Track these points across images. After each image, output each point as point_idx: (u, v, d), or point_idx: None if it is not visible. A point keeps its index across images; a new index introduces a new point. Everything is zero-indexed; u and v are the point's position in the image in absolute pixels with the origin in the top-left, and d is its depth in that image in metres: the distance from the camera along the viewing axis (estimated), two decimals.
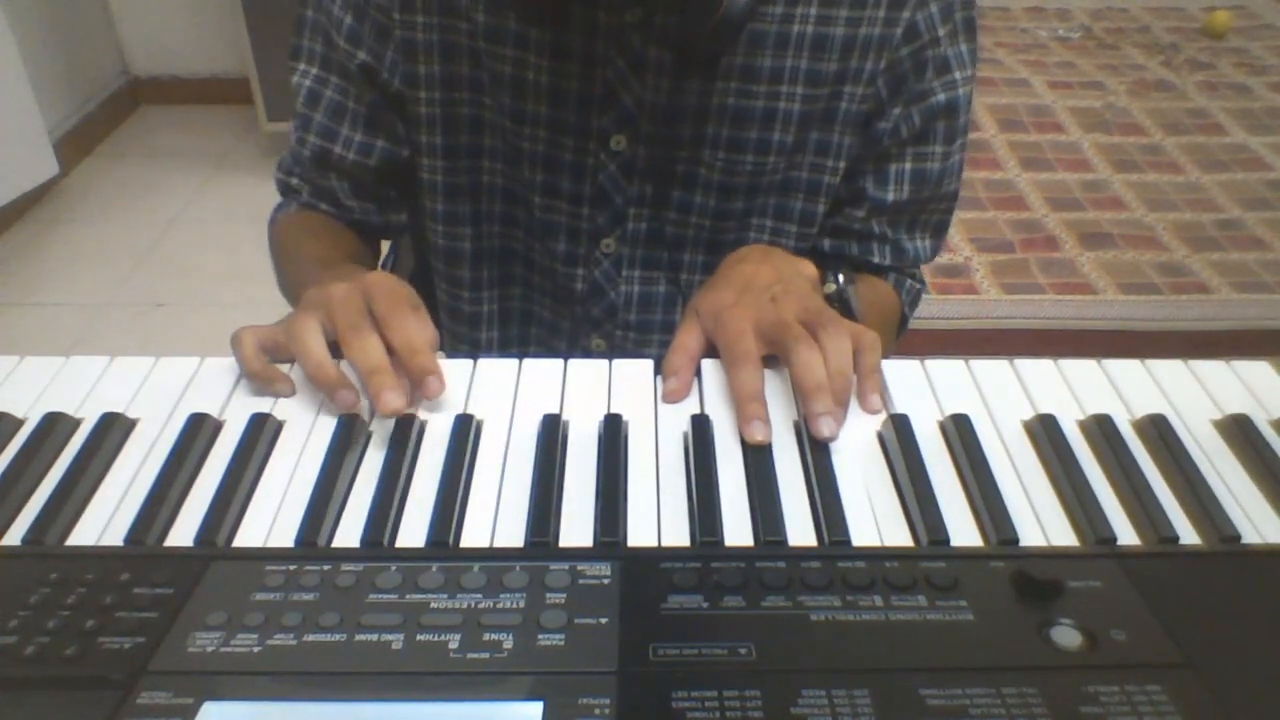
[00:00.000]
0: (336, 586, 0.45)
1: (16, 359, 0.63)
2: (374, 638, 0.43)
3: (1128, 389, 0.61)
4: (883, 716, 0.39)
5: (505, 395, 0.60)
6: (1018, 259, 1.90)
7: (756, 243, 0.80)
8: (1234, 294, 1.80)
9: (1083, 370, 0.63)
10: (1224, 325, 1.75)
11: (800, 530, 0.51)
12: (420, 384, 0.58)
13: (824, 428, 0.56)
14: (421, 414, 0.59)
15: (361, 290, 0.61)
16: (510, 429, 0.58)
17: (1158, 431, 0.57)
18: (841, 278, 0.76)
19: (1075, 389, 0.61)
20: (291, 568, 0.46)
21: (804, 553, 0.48)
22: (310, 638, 0.43)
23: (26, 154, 2.43)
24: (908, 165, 0.79)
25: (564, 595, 0.45)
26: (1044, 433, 0.57)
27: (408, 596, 0.45)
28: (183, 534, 0.51)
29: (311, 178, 0.85)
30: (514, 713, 0.40)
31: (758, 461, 0.55)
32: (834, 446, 0.56)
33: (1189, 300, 1.79)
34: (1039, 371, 0.63)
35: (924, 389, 0.61)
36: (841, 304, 0.75)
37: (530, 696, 0.40)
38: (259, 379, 0.60)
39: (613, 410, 0.59)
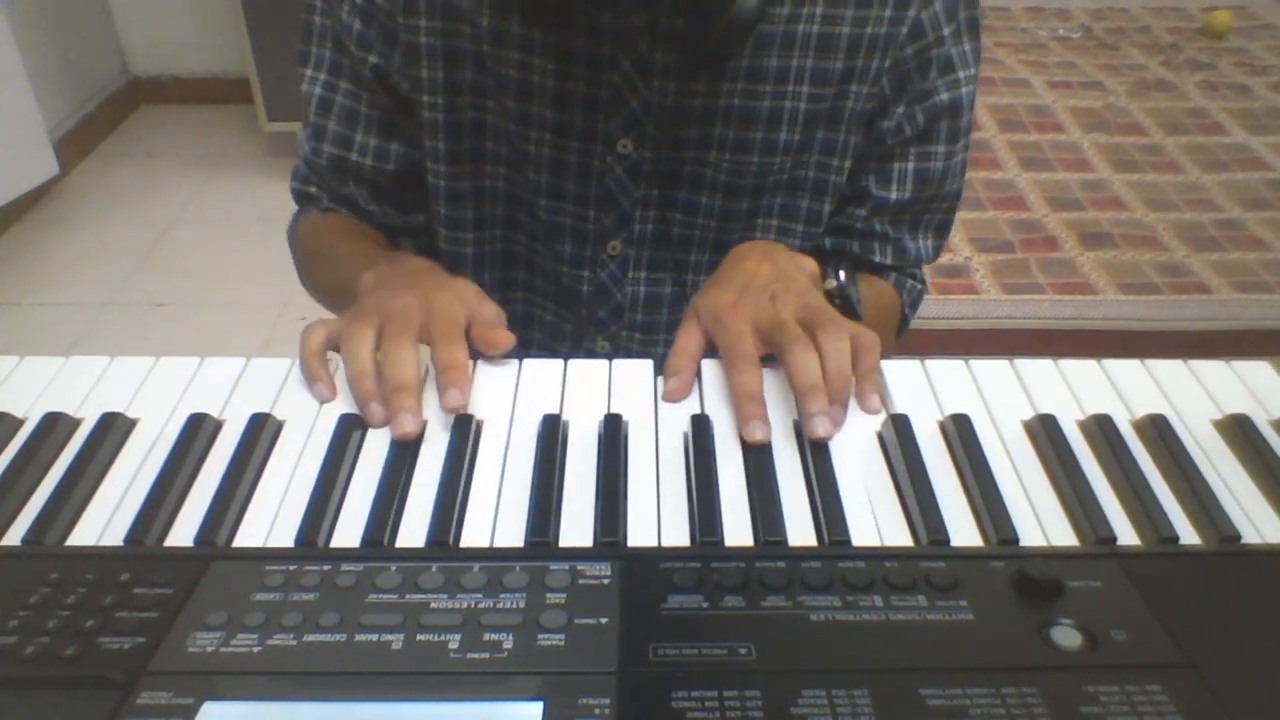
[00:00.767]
0: (336, 586, 0.45)
1: (16, 359, 0.63)
2: (374, 638, 0.43)
3: (1128, 389, 0.61)
4: (883, 716, 0.39)
5: (505, 395, 0.60)
6: (1018, 259, 1.89)
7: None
8: (1234, 294, 1.80)
9: (1083, 370, 0.63)
10: (1224, 325, 1.75)
11: (800, 530, 0.51)
12: (442, 393, 0.58)
13: (818, 428, 0.56)
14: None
15: (424, 309, 0.62)
16: (510, 429, 0.58)
17: (1158, 431, 0.57)
18: (842, 274, 0.76)
19: (1075, 389, 0.61)
20: (291, 568, 0.46)
21: (804, 553, 0.48)
22: (310, 638, 0.43)
23: (26, 154, 2.43)
24: (910, 164, 0.79)
25: (564, 595, 0.45)
26: (1044, 433, 0.57)
27: (408, 596, 0.45)
28: (183, 534, 0.51)
29: (330, 186, 0.84)
30: (514, 713, 0.39)
31: (758, 461, 0.55)
32: (834, 447, 0.56)
33: (1189, 300, 1.79)
34: (1039, 371, 0.63)
35: (924, 389, 0.61)
36: (842, 300, 0.75)
37: (530, 697, 0.40)
38: (309, 375, 0.61)
39: (613, 410, 0.59)
